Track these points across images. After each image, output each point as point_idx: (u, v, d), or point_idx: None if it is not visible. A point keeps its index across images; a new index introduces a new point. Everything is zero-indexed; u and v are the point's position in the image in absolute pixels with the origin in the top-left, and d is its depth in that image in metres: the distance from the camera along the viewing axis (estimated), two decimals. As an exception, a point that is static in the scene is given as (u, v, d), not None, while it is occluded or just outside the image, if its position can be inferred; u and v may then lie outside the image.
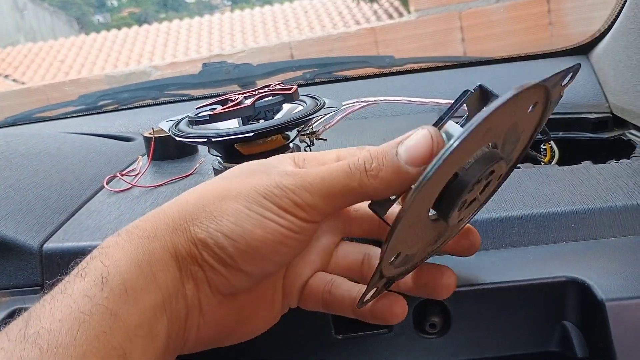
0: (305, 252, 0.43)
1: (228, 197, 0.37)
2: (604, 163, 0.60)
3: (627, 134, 0.74)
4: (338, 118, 0.68)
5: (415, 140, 0.35)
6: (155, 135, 0.76)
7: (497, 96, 0.38)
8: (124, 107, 1.09)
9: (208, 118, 0.60)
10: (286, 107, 0.66)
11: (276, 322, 0.44)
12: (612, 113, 0.78)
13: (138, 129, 0.95)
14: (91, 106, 1.10)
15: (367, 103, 0.68)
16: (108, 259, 0.35)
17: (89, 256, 0.36)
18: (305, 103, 0.64)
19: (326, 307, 0.43)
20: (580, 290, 0.44)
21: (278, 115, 0.64)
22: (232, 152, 0.62)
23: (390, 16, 5.64)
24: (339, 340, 0.48)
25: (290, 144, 0.66)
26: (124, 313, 0.33)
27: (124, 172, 0.72)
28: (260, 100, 0.62)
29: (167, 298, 0.36)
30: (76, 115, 1.10)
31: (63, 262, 0.54)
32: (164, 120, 0.67)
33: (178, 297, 0.37)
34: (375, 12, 5.92)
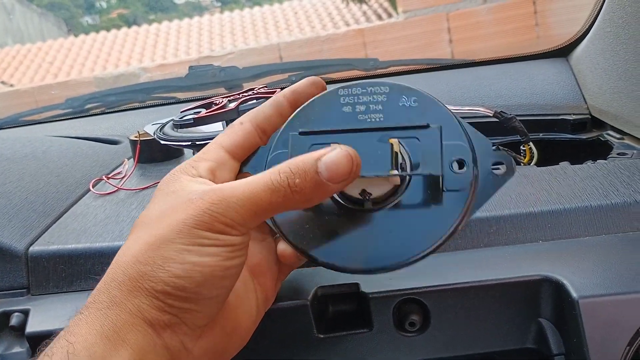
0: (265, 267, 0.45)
1: (164, 242, 0.37)
2: (581, 164, 0.61)
3: (605, 135, 0.75)
4: None
5: (336, 160, 0.38)
6: (141, 139, 0.77)
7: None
8: (111, 110, 1.09)
9: (192, 121, 0.61)
10: None
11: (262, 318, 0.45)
12: (590, 114, 0.80)
13: (125, 132, 0.96)
14: (78, 109, 1.10)
15: (350, 105, 0.69)
16: (73, 336, 0.36)
17: (56, 337, 0.37)
18: None
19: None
20: (554, 289, 0.46)
21: (261, 118, 0.65)
22: (217, 155, 0.63)
23: (380, 17, 5.66)
24: (321, 340, 0.49)
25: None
26: None
27: (110, 175, 0.72)
28: (244, 104, 0.63)
29: (143, 355, 0.36)
30: (63, 118, 1.10)
31: (49, 265, 0.55)
32: (150, 123, 0.68)
33: (157, 350, 0.37)
34: (364, 13, 5.94)
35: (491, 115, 0.67)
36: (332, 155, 0.38)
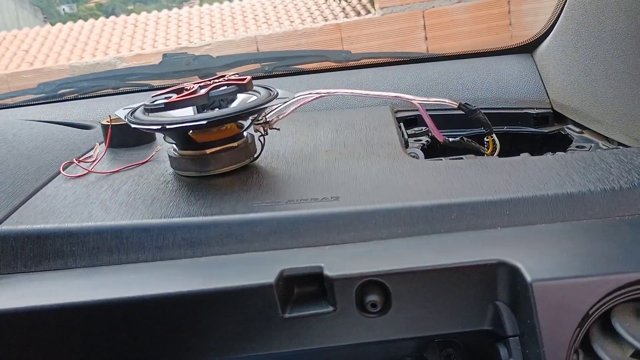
0: None
1: None
2: (541, 155, 0.63)
3: (566, 129, 0.78)
4: (292, 109, 0.70)
5: None
6: (113, 123, 0.77)
7: None
8: (84, 96, 1.09)
9: (163, 106, 0.62)
10: (240, 97, 0.68)
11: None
12: (552, 109, 0.82)
13: (97, 118, 0.96)
14: (50, 94, 1.09)
15: (319, 95, 0.71)
16: None
17: None
18: (259, 93, 0.66)
19: None
20: (510, 272, 0.47)
21: (232, 105, 0.66)
22: (187, 139, 0.63)
23: (358, 13, 5.68)
24: (285, 320, 0.50)
25: (245, 133, 0.67)
26: None
27: (80, 159, 0.73)
28: (215, 90, 0.64)
29: None
30: (35, 103, 1.09)
31: (17, 244, 0.56)
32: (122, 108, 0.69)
33: None
34: (343, 9, 5.95)
35: (456, 107, 0.68)
36: None
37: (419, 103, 0.67)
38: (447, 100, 0.68)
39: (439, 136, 0.69)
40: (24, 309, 0.49)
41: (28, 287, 0.53)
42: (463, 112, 0.68)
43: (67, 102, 1.08)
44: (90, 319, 0.49)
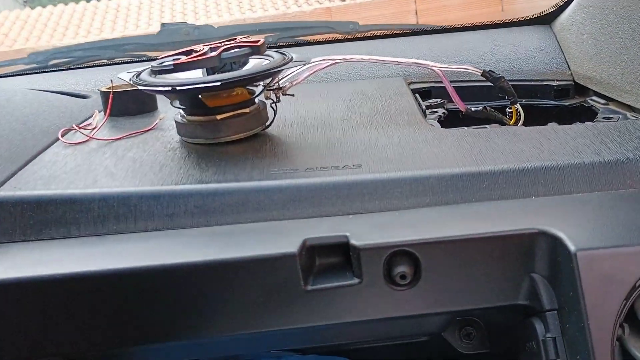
0: None
1: None
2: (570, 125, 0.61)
3: (589, 101, 0.75)
4: (306, 75, 0.66)
5: None
6: (114, 90, 0.73)
7: None
8: (77, 66, 1.04)
9: (172, 67, 0.58)
10: (252, 61, 0.64)
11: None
12: (574, 81, 0.80)
13: (92, 89, 0.91)
14: (42, 64, 1.04)
15: (335, 61, 0.67)
16: None
17: None
18: (273, 57, 0.62)
19: None
20: (550, 242, 0.45)
21: (245, 68, 0.62)
22: (197, 103, 0.60)
23: (352, -4, 5.63)
24: (308, 292, 0.47)
25: (256, 99, 0.64)
26: None
27: (80, 126, 0.68)
28: (227, 52, 0.60)
29: None
30: (25, 73, 1.04)
31: (15, 211, 0.52)
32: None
33: None
34: (334, -8, 5.90)
35: (479, 74, 0.65)
36: None
37: (440, 70, 0.64)
38: (470, 68, 0.65)
39: (461, 105, 0.66)
40: (23, 279, 0.45)
41: (28, 256, 0.49)
42: (487, 80, 0.65)
43: (59, 72, 1.03)
44: (96, 290, 0.46)
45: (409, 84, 0.83)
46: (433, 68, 0.64)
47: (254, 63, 0.63)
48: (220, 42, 0.63)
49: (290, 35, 1.01)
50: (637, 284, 0.42)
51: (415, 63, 0.65)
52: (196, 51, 0.61)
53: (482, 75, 0.65)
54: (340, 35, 1.01)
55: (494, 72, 0.65)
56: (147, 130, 0.67)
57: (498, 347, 0.54)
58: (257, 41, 0.62)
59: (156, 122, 0.69)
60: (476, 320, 0.54)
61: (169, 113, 0.71)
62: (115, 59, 1.03)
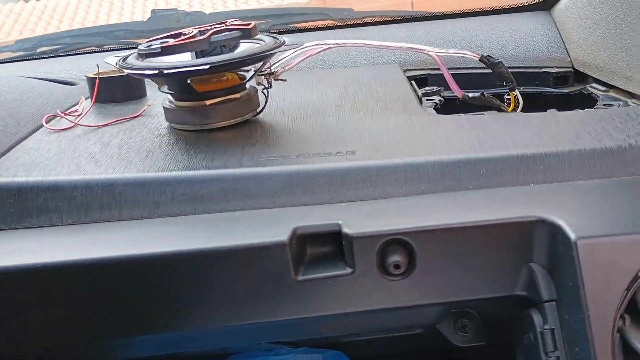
0: None
1: None
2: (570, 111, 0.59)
3: (589, 88, 0.73)
4: (299, 60, 0.64)
5: None
6: (100, 76, 0.71)
7: None
8: (65, 53, 1.02)
9: (159, 50, 0.56)
10: (243, 45, 0.62)
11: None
12: (573, 68, 0.78)
13: (80, 76, 0.89)
14: (29, 52, 1.02)
15: (328, 46, 0.65)
16: None
17: None
18: (264, 41, 0.61)
19: None
20: (549, 231, 0.43)
21: (235, 52, 0.60)
22: (186, 88, 0.58)
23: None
24: (299, 283, 0.45)
25: (247, 85, 0.62)
26: None
27: (66, 112, 0.66)
28: (217, 35, 0.58)
29: None
30: (12, 60, 1.02)
31: None
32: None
33: None
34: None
35: (477, 59, 0.63)
36: None
37: (436, 55, 0.62)
38: (467, 52, 0.63)
39: (459, 91, 0.64)
40: (3, 268, 0.43)
41: (8, 245, 0.47)
42: (485, 65, 0.63)
43: (47, 59, 1.01)
44: (79, 280, 0.44)
45: (405, 71, 0.81)
46: (429, 53, 0.62)
47: (245, 47, 0.61)
48: (210, 26, 0.61)
49: (284, 22, 0.99)
50: (639, 274, 0.41)
51: (411, 48, 0.63)
52: (185, 34, 0.59)
53: (480, 60, 0.63)
54: (334, 22, 0.99)
55: (492, 57, 0.63)
56: (135, 117, 0.65)
57: (494, 340, 0.52)
58: (249, 24, 0.60)
59: (144, 108, 0.67)
60: (472, 312, 0.53)
61: (158, 100, 0.69)
62: (104, 46, 1.01)
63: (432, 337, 0.54)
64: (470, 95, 0.66)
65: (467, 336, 0.54)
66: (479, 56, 0.63)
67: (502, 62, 0.63)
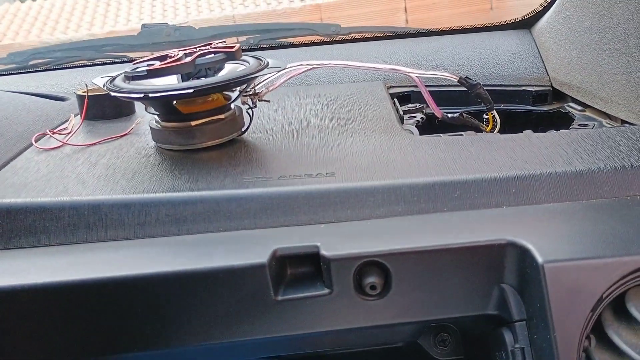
0: None
1: None
2: (544, 133, 0.61)
3: (566, 107, 0.75)
4: (282, 80, 0.66)
5: None
6: (90, 93, 0.72)
7: None
8: (57, 67, 1.03)
9: (145, 73, 0.58)
10: (228, 67, 0.63)
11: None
12: (552, 86, 0.80)
13: (71, 90, 0.91)
14: (21, 65, 1.03)
15: (312, 66, 0.67)
16: None
17: None
18: (248, 63, 0.62)
19: None
20: (519, 253, 0.45)
21: (220, 74, 0.62)
22: (171, 110, 0.59)
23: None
24: (278, 303, 0.47)
25: (232, 105, 0.63)
26: None
27: (54, 131, 0.68)
28: (202, 57, 0.59)
29: None
30: (4, 73, 1.03)
31: None
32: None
33: None
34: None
35: (456, 80, 0.65)
36: None
37: (416, 76, 0.63)
38: (446, 74, 0.65)
39: (437, 111, 0.65)
40: None
41: (-4, 266, 0.48)
42: (463, 86, 0.65)
43: (39, 72, 1.02)
44: (65, 300, 0.45)
45: (389, 88, 0.83)
46: (410, 74, 0.63)
47: (230, 69, 0.63)
48: (196, 47, 0.63)
49: (272, 37, 1.00)
50: (604, 296, 0.42)
51: (392, 69, 0.65)
52: (171, 56, 0.61)
53: (458, 81, 0.65)
54: (321, 38, 1.00)
55: (470, 79, 0.65)
56: (122, 136, 0.66)
57: (472, 354, 0.54)
58: (233, 47, 0.61)
59: (132, 127, 0.68)
60: (451, 327, 0.54)
61: (146, 117, 0.71)
62: (96, 60, 1.02)
63: (413, 350, 0.55)
64: (449, 115, 0.68)
65: (446, 350, 0.55)
66: (457, 78, 0.65)
67: (479, 84, 0.65)
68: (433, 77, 0.66)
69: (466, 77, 0.65)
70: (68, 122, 0.70)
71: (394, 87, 0.84)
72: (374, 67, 0.66)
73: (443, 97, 0.73)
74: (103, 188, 0.53)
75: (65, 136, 0.66)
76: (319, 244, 0.46)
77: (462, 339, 0.54)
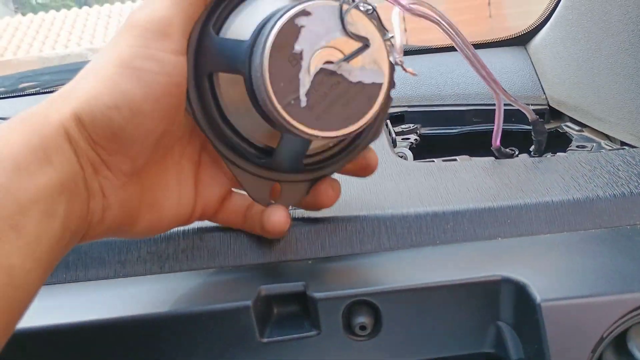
0: (213, 174, 0.47)
1: (101, 68, 0.38)
2: (541, 156, 0.59)
3: (564, 127, 0.73)
4: None
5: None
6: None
7: None
8: (47, 91, 1.01)
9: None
10: None
11: (187, 224, 0.47)
12: (549, 105, 0.78)
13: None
14: (10, 89, 1.02)
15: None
16: (2, 140, 0.35)
17: None
18: None
19: (245, 222, 0.48)
20: (515, 290, 0.43)
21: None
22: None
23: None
24: (264, 344, 0.45)
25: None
26: (15, 187, 0.33)
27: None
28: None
29: (64, 180, 0.36)
30: (-7, 98, 1.02)
31: None
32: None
33: (77, 180, 0.37)
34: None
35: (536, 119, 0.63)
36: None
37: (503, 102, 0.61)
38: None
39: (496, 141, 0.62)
40: None
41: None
42: (533, 127, 0.63)
43: (28, 97, 1.01)
44: (42, 345, 0.44)
45: (382, 108, 0.81)
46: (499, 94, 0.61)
47: None
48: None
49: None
50: (605, 336, 0.40)
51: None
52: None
53: (531, 122, 0.63)
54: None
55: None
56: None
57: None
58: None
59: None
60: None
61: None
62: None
63: None
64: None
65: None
66: (537, 118, 0.62)
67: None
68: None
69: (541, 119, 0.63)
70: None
71: (387, 107, 0.82)
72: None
73: (442, 117, 0.72)
74: (83, 225, 0.52)
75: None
76: (304, 283, 0.44)
77: None
